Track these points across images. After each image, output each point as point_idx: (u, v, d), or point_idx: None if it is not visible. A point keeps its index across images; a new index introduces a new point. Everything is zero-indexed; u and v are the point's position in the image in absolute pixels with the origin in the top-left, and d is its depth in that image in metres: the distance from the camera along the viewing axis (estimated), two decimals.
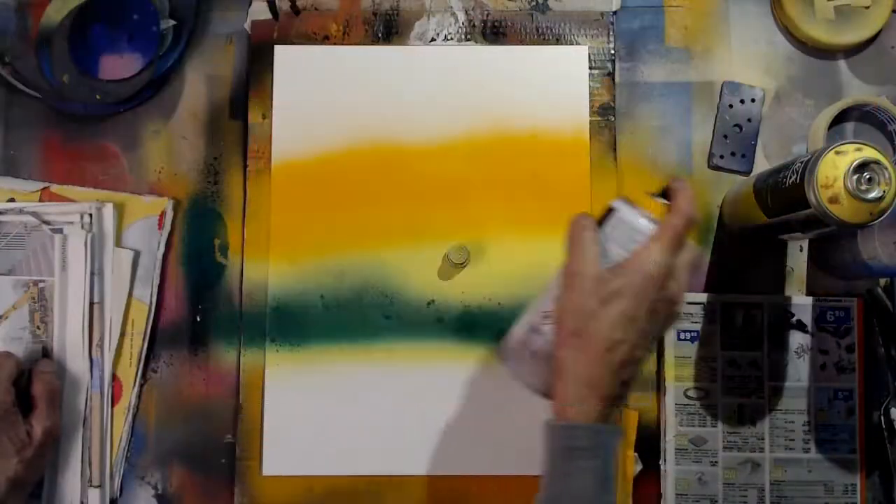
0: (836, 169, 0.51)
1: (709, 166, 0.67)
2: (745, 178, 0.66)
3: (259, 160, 0.66)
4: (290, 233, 0.66)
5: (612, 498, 0.47)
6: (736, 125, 0.67)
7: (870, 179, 0.51)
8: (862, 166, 0.51)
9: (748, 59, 0.68)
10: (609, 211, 0.50)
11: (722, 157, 0.67)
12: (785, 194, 0.55)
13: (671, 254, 0.47)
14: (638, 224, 0.49)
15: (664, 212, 0.49)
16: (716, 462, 0.64)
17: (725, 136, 0.67)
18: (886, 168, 0.51)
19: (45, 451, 0.59)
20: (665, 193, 0.51)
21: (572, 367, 0.47)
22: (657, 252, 0.47)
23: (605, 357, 0.47)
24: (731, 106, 0.68)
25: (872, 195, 0.50)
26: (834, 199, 0.51)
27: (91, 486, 0.63)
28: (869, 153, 0.51)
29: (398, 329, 0.65)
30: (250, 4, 0.68)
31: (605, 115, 0.67)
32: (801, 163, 0.53)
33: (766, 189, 0.58)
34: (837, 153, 0.51)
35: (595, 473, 0.46)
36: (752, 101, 0.67)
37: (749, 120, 0.67)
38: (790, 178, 0.54)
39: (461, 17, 0.68)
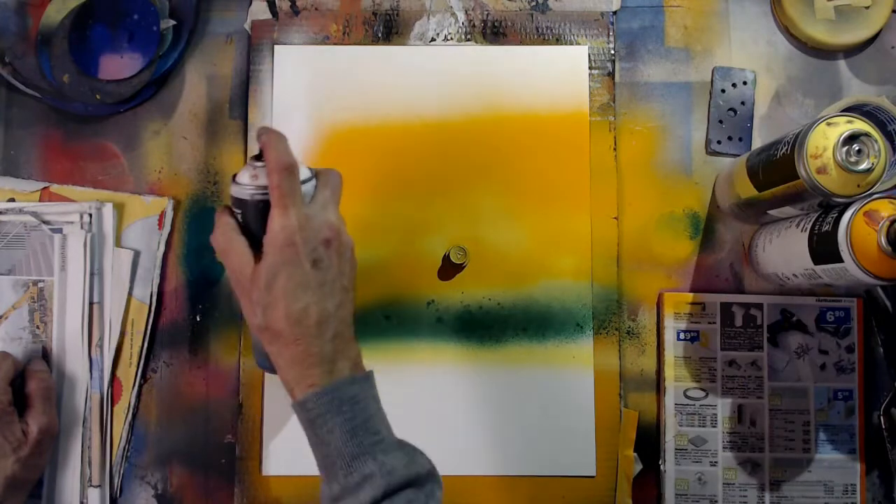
0: (826, 139, 0.51)
1: (707, 152, 0.67)
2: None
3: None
4: None
5: (372, 438, 0.49)
6: (730, 109, 0.67)
7: (859, 151, 0.51)
8: (852, 138, 0.51)
9: (748, 59, 0.68)
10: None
11: (719, 142, 0.67)
12: (776, 166, 0.55)
13: (289, 209, 0.48)
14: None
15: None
16: (716, 462, 0.64)
17: (721, 121, 0.67)
18: (876, 141, 0.51)
19: (42, 450, 0.59)
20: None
21: (277, 356, 0.50)
22: (278, 219, 0.48)
23: (298, 332, 0.49)
24: (723, 91, 0.67)
25: (861, 167, 0.51)
26: (822, 170, 0.51)
27: (91, 485, 0.63)
28: (859, 125, 0.51)
29: (398, 329, 0.65)
30: (250, 4, 0.68)
31: (605, 115, 0.67)
32: (794, 135, 0.53)
33: (759, 164, 0.58)
34: (829, 124, 0.52)
35: (340, 429, 0.48)
36: (744, 83, 0.67)
37: (742, 103, 0.67)
38: (781, 149, 0.54)
39: (461, 17, 0.68)
